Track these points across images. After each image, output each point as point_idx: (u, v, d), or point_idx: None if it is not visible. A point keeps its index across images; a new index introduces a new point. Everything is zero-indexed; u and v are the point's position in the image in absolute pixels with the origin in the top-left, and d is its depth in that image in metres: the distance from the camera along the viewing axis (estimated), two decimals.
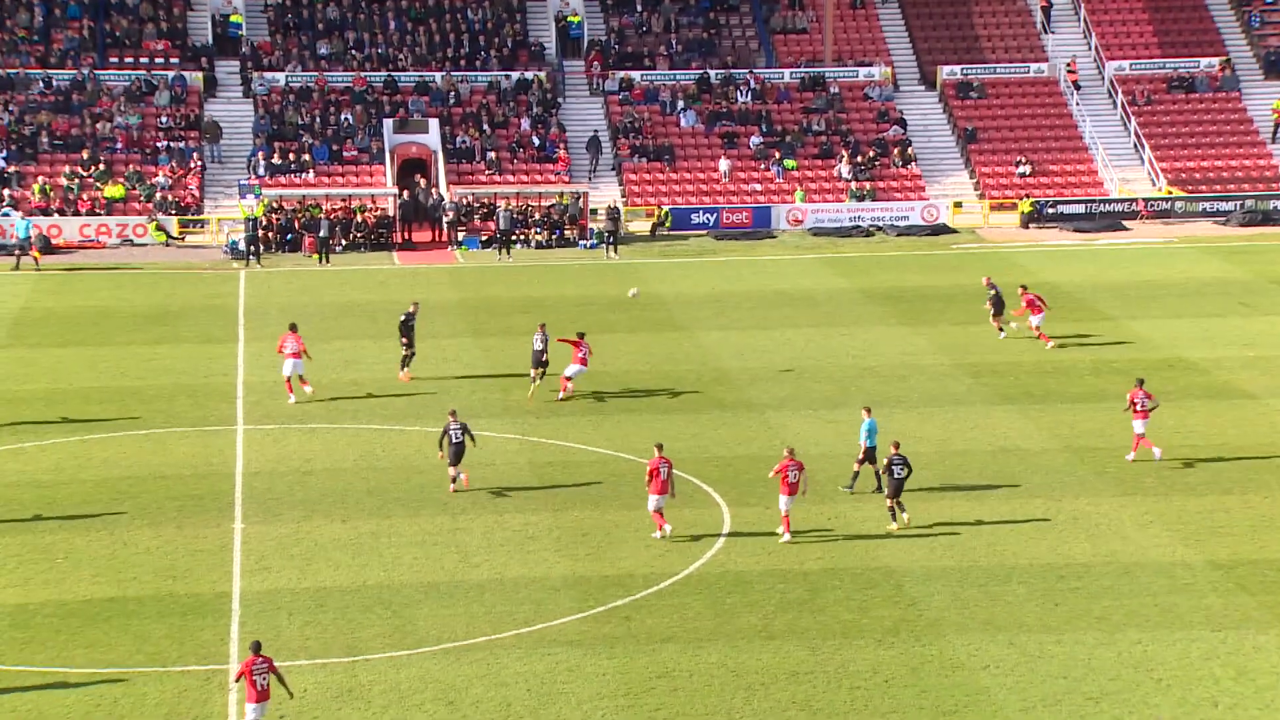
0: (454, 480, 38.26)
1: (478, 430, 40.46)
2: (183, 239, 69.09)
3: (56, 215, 68.54)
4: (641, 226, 72.35)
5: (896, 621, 31.17)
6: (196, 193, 71.31)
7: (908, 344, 51.99)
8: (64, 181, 69.97)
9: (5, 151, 70.93)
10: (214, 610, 31.71)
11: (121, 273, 63.30)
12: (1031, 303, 51.24)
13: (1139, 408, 40.03)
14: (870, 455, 37.81)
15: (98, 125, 73.20)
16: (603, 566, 33.98)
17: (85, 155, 71.32)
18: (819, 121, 78.43)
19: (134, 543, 35.00)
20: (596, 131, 76.53)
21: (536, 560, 34.38)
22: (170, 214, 69.57)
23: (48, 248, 65.50)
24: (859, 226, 72.50)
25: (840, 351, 51.22)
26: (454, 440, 38.12)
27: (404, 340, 47.40)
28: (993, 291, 52.49)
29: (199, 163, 72.57)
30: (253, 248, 65.03)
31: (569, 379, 45.57)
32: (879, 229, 72.62)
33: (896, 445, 36.23)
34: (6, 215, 67.29)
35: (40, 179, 69.98)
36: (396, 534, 35.70)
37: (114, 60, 76.50)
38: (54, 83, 74.66)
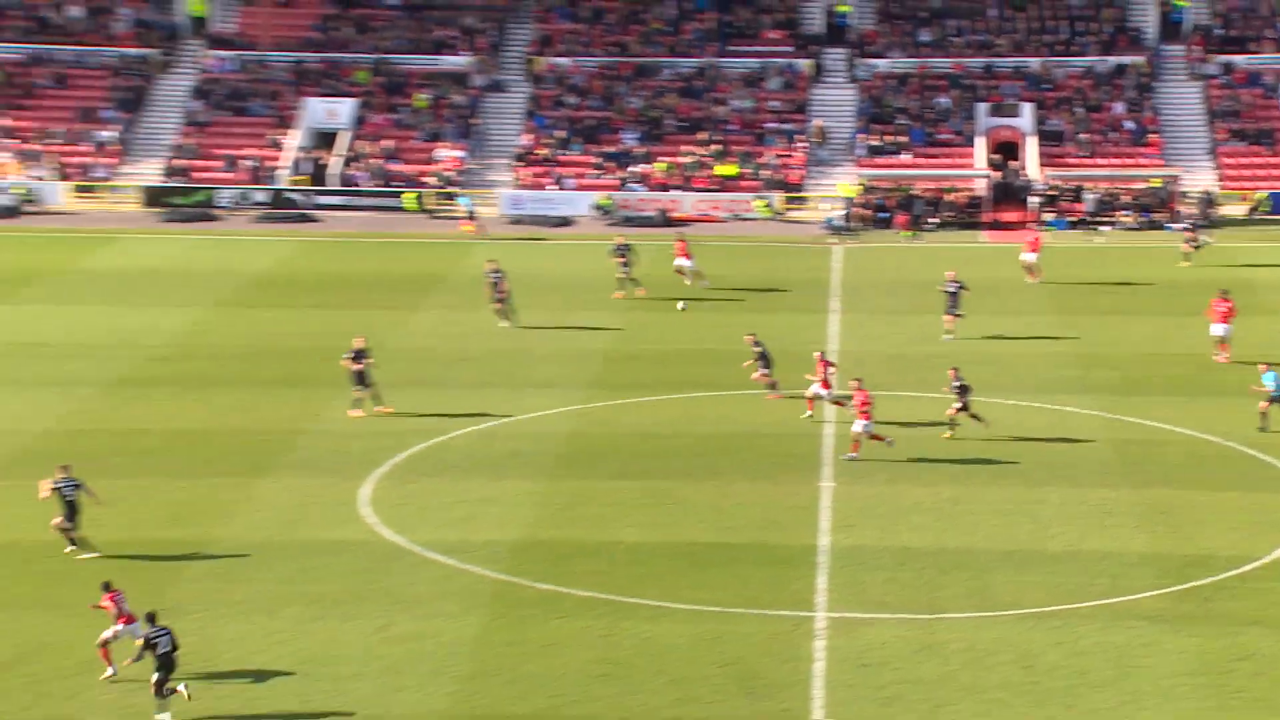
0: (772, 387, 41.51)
1: (1055, 405, 39.48)
2: (784, 214, 70.45)
3: (676, 191, 71.24)
4: (1237, 211, 68.84)
5: None
6: (801, 172, 72.63)
7: None
8: (684, 160, 72.63)
9: (637, 133, 74.21)
10: (804, 561, 32.29)
11: (732, 244, 65.17)
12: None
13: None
14: None
15: (716, 109, 75.61)
16: (1183, 545, 32.65)
17: (704, 136, 73.78)
18: None
19: (735, 494, 36.00)
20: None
21: (1114, 535, 33.39)
22: (775, 192, 71.06)
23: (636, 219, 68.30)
24: None
25: None
26: None
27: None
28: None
29: (804, 144, 73.83)
30: (848, 224, 65.66)
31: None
32: None
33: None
34: (634, 189, 70.63)
35: (664, 158, 72.87)
36: (976, 501, 35.41)
37: (734, 49, 78.71)
38: (681, 70, 77.56)
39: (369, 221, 67.45)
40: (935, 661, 27.95)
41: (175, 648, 26.03)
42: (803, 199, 71.07)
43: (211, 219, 68.02)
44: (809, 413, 40.72)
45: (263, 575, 31.33)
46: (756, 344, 42.94)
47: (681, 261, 55.51)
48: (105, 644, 27.00)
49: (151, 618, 26.49)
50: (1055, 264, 59.87)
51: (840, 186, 68.96)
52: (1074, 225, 67.33)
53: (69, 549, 32.15)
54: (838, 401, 40.38)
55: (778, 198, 70.46)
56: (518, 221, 68.24)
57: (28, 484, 35.33)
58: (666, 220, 68.62)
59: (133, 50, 76.78)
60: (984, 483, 36.50)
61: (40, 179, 69.94)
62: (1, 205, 68.06)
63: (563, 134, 73.96)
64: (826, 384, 40.80)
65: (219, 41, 78.01)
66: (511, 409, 41.75)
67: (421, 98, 75.22)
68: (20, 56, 75.85)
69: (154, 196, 69.72)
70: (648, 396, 43.17)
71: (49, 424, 40.28)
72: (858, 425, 37.90)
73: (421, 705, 26.47)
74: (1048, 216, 67.91)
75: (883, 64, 77.34)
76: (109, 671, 26.93)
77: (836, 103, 76.47)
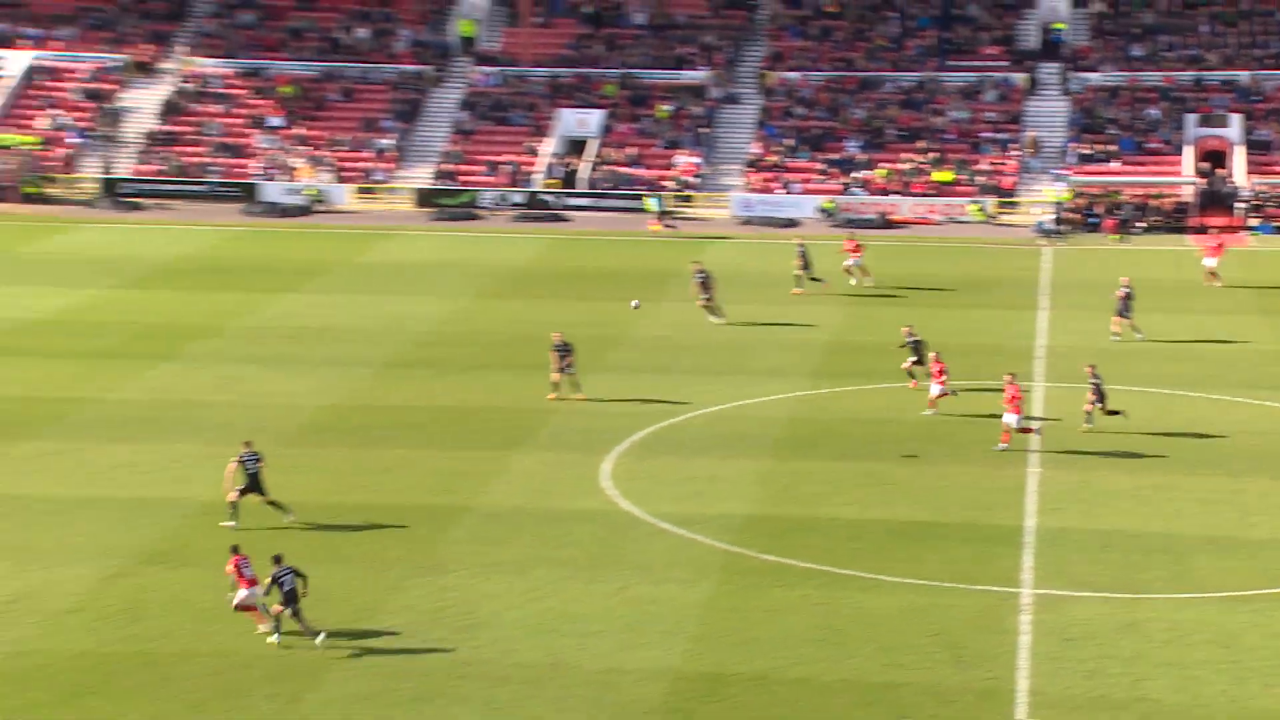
0: None
1: (1259, 401, 37.93)
2: (996, 218, 69.10)
3: (895, 195, 70.41)
4: None
5: None
6: (1013, 178, 71.13)
7: None
8: (903, 167, 71.73)
9: (860, 141, 73.55)
10: (1010, 541, 31.65)
11: (946, 245, 64.15)
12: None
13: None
14: None
15: (934, 119, 74.50)
16: None
17: (923, 145, 72.76)
18: None
19: (945, 477, 35.45)
20: None
21: None
22: (989, 196, 69.74)
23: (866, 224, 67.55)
24: None
25: None
26: None
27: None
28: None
29: (1017, 152, 72.30)
30: (1058, 227, 64.10)
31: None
32: None
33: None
34: (856, 193, 70.02)
35: (885, 165, 72.09)
36: (1178, 489, 34.27)
37: (953, 64, 77.43)
38: (902, 83, 76.60)
39: (613, 221, 68.02)
40: (1137, 638, 27.12)
41: (297, 587, 26.77)
42: (1014, 203, 69.60)
43: (474, 218, 69.32)
44: (930, 410, 39.69)
45: (515, 539, 31.82)
46: (911, 335, 42.10)
47: (851, 261, 54.69)
48: (241, 605, 27.10)
49: (278, 559, 27.14)
50: (1261, 267, 57.66)
51: (1049, 192, 67.32)
52: None
53: (279, 511, 32.11)
54: (944, 394, 39.39)
55: (991, 202, 69.12)
56: (747, 222, 68.19)
57: (314, 452, 36.54)
58: (885, 222, 67.87)
59: (410, 67, 78.63)
60: (1186, 471, 35.30)
61: (328, 182, 72.10)
62: (295, 205, 70.34)
63: (791, 142, 73.65)
64: (942, 380, 39.68)
65: (485, 59, 79.44)
66: (739, 394, 41.71)
67: (663, 109, 75.59)
68: (314, 73, 78.27)
69: (425, 197, 71.33)
70: (865, 385, 42.74)
71: (332, 399, 41.48)
72: (1008, 418, 36.89)
73: (656, 662, 26.61)
74: (1253, 222, 65.41)
75: (1095, 77, 75.29)
76: (266, 624, 27.14)
77: (1049, 114, 74.70)
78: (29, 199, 69.95)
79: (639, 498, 34.06)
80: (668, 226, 65.11)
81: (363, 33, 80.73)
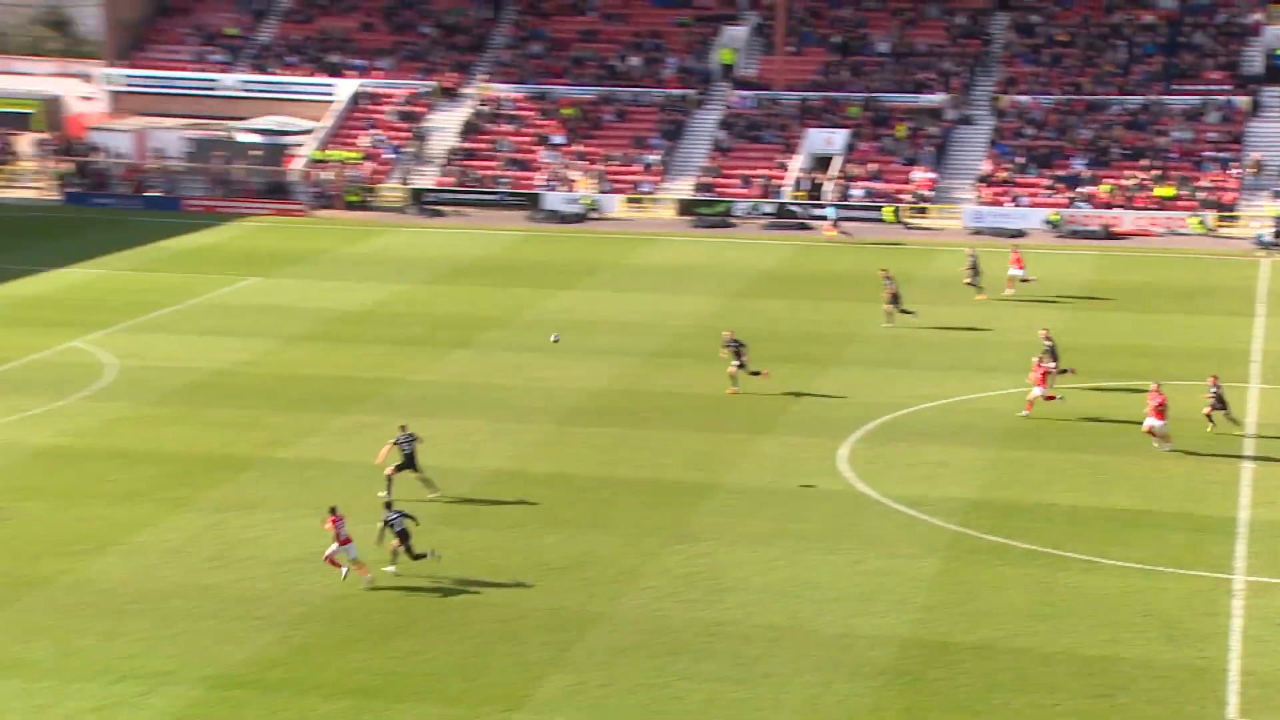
0: None
1: None
2: (1215, 231, 66.02)
3: (1118, 209, 67.85)
4: None
5: None
6: (1234, 194, 67.80)
7: None
8: (1127, 183, 69.10)
9: (1086, 159, 71.17)
10: (1223, 530, 30.33)
11: (1167, 256, 61.57)
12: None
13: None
14: None
15: (1158, 139, 71.53)
16: None
17: (1146, 163, 69.96)
18: None
19: (1161, 469, 34.16)
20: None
21: None
22: (1209, 211, 66.64)
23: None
24: None
25: None
26: None
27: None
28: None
29: (1238, 170, 68.91)
30: (1277, 240, 60.80)
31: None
32: None
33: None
34: (1081, 207, 67.78)
35: (1109, 181, 69.56)
36: None
37: (1177, 88, 74.22)
38: (1128, 106, 73.77)
39: (854, 229, 67.26)
40: None
41: (407, 528, 27.93)
42: (1234, 217, 66.36)
43: (729, 226, 69.46)
44: (1026, 412, 37.93)
45: (760, 513, 31.80)
46: (1048, 339, 40.25)
47: (1014, 271, 52.66)
48: (330, 557, 27.96)
49: (388, 505, 28.42)
50: None
51: (1269, 208, 63.90)
52: None
53: (427, 487, 32.04)
54: (1049, 398, 37.67)
55: (1211, 216, 66.04)
56: (978, 233, 66.70)
57: (585, 430, 37.10)
58: (1108, 234, 65.49)
59: (676, 91, 79.16)
60: None
61: (602, 192, 73.18)
62: (573, 212, 71.64)
63: (1021, 160, 71.67)
64: (1043, 383, 37.90)
65: (742, 84, 79.48)
66: (967, 388, 40.82)
67: (902, 129, 74.43)
68: (593, 96, 79.53)
69: (686, 207, 71.74)
70: (1087, 384, 41.36)
71: (602, 384, 42.08)
72: (1153, 423, 35.30)
73: (886, 628, 26.29)
74: None
75: None
76: (343, 572, 27.99)
77: (1271, 134, 70.96)
78: (350, 206, 72.89)
79: (872, 480, 33.66)
80: (843, 234, 64.60)
81: (635, 61, 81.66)
